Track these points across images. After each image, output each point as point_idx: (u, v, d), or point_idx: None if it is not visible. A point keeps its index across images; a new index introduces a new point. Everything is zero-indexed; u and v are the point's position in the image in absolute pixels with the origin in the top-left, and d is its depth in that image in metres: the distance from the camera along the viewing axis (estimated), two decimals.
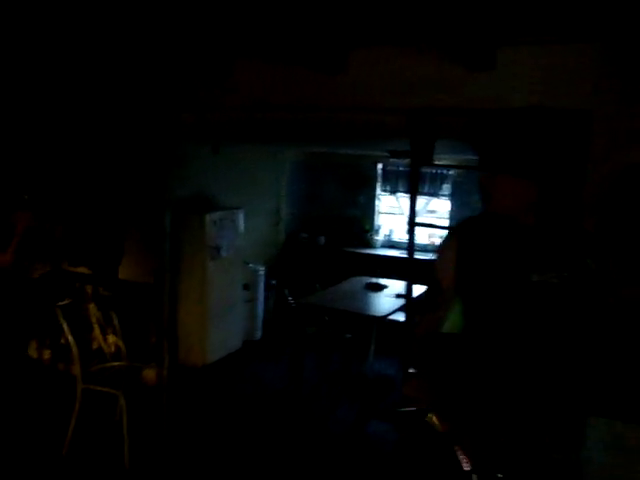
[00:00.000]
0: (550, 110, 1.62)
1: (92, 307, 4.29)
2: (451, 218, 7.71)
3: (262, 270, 6.61)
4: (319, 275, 6.80)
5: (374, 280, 5.91)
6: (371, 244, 7.88)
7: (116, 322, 4.20)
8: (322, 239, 7.92)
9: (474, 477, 1.65)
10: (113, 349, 4.32)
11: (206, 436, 4.24)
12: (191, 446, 4.08)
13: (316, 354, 5.45)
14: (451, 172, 7.76)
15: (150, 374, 4.53)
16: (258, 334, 6.62)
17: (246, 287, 6.28)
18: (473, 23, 3.03)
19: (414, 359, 1.87)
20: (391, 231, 8.00)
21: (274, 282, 6.96)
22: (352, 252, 7.63)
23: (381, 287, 5.72)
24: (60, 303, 3.86)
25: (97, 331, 4.29)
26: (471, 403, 1.75)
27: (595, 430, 2.68)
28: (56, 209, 4.77)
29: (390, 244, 7.91)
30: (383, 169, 7.98)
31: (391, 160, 7.46)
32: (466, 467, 1.67)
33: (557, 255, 1.61)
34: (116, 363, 4.14)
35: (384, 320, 4.93)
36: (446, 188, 7.84)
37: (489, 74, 3.34)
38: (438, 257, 1.80)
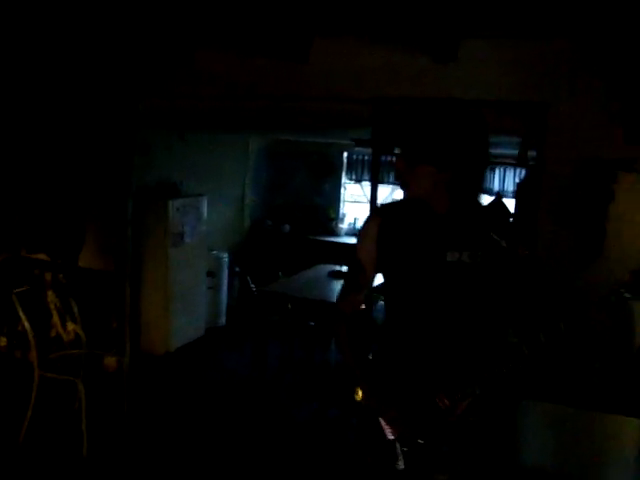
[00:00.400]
0: (459, 101, 1.70)
1: (50, 294, 4.23)
2: None
3: (226, 257, 6.59)
4: (283, 263, 6.82)
5: (337, 268, 5.95)
6: (335, 232, 7.92)
7: (75, 309, 4.14)
8: (287, 227, 7.92)
9: (397, 445, 1.71)
10: (72, 336, 4.27)
11: (168, 423, 4.24)
12: (153, 433, 4.07)
13: (279, 342, 5.48)
14: None
15: (111, 361, 4.50)
16: (222, 321, 6.61)
17: (210, 274, 6.26)
18: (438, 14, 3.06)
19: (339, 339, 1.93)
20: (356, 219, 8.04)
21: (238, 269, 6.95)
22: (316, 240, 7.65)
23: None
24: (17, 290, 3.79)
25: (56, 318, 4.23)
26: (391, 374, 1.83)
27: (529, 412, 2.79)
28: (12, 194, 4.67)
29: (354, 232, 7.94)
30: (348, 157, 8.00)
31: (356, 149, 7.48)
32: (390, 436, 1.73)
33: (471, 236, 1.70)
34: (75, 350, 4.10)
35: None
36: None
37: (451, 66, 3.38)
38: (359, 239, 1.86)
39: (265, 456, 3.87)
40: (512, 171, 7.15)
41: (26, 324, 3.68)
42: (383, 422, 1.75)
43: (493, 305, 1.74)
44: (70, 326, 4.29)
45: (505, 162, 6.26)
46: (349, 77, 3.61)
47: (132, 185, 4.61)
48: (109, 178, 4.57)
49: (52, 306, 4.19)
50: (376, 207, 1.93)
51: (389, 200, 7.55)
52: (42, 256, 4.70)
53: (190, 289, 5.86)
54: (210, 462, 3.75)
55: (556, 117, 3.23)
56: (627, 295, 3.10)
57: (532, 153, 3.56)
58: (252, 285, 5.47)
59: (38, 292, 4.22)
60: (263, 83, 3.77)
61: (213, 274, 6.31)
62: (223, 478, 3.59)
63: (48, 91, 4.46)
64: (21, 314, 3.67)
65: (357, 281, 1.87)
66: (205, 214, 6.07)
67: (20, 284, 4.16)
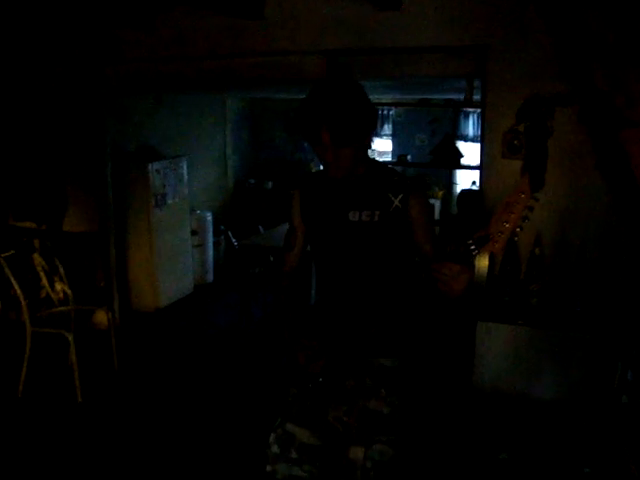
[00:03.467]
0: (338, 80, 1.92)
1: (36, 256, 4.45)
2: (394, 157, 7.95)
3: (210, 216, 6.80)
4: (266, 218, 7.03)
5: None
6: None
7: (61, 269, 4.38)
8: (270, 184, 8.11)
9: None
10: (61, 296, 4.51)
11: (159, 371, 4.51)
12: (144, 381, 4.35)
13: (263, 292, 5.73)
14: (392, 112, 7.96)
15: (101, 316, 4.75)
16: (210, 277, 6.87)
17: (194, 233, 6.49)
18: None
19: (282, 291, 2.21)
20: None
21: (223, 227, 7.17)
22: None
23: None
24: (4, 254, 4.02)
25: (44, 280, 4.47)
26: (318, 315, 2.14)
27: (481, 334, 3.03)
28: None
29: None
30: None
31: None
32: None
33: (370, 197, 1.95)
34: (64, 307, 4.35)
35: None
36: (388, 128, 8.07)
37: (396, 14, 3.51)
38: (291, 206, 2.16)
39: (254, 402, 4.11)
40: None
41: (16, 286, 3.92)
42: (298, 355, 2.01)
43: (390, 256, 1.99)
44: (58, 286, 4.53)
45: (457, 105, 6.41)
46: (303, 30, 3.74)
47: (107, 148, 4.80)
48: (85, 144, 4.75)
49: (39, 268, 4.42)
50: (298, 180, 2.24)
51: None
52: (29, 224, 4.93)
53: (175, 248, 6.09)
54: (201, 407, 4.01)
55: (496, 59, 3.38)
56: None
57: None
58: (234, 240, 5.70)
59: (25, 256, 4.45)
60: (220, 42, 3.91)
61: (196, 232, 6.54)
62: (215, 421, 3.85)
63: (18, 66, 4.62)
64: (10, 276, 3.91)
65: (289, 242, 2.17)
66: (186, 175, 6.24)
67: (7, 249, 4.40)
